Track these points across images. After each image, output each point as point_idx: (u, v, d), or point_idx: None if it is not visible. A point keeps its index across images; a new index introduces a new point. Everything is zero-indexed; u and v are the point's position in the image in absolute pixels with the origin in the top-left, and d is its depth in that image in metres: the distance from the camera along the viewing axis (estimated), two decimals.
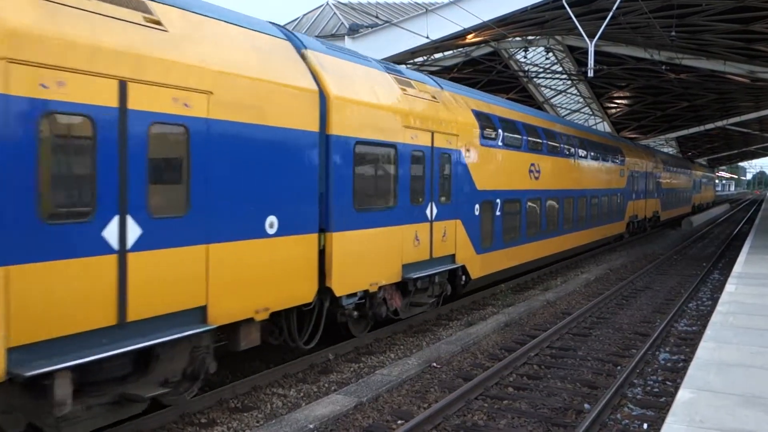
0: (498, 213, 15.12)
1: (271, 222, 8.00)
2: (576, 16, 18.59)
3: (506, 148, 15.60)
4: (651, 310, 14.86)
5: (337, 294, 9.38)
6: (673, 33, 23.42)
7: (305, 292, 8.78)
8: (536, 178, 17.56)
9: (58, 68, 5.63)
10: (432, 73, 25.22)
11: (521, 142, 16.60)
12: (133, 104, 6.28)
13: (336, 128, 9.23)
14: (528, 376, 9.77)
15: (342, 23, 26.27)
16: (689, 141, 71.83)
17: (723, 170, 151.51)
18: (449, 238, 12.68)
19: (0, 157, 5.26)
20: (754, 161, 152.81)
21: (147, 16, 6.71)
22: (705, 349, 7.93)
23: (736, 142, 78.20)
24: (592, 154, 22.87)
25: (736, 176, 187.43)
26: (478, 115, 14.33)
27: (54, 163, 5.68)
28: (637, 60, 31.76)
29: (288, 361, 9.87)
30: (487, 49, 31.41)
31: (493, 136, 14.85)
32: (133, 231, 6.32)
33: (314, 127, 8.78)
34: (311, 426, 7.35)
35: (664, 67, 30.36)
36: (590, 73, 19.60)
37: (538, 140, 17.94)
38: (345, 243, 9.47)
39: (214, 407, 8.12)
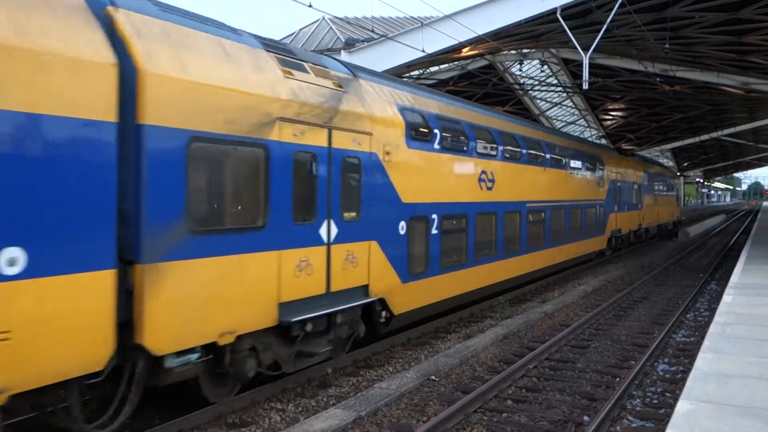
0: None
1: (11, 258, 5.47)
2: (570, 30, 18.74)
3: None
4: (649, 321, 14.86)
5: (158, 352, 6.79)
6: (667, 45, 23.67)
7: (90, 359, 6.13)
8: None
9: None
10: (428, 86, 25.33)
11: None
12: None
13: (153, 117, 6.74)
14: (527, 388, 9.75)
15: (338, 37, 26.45)
16: (684, 152, 72.23)
17: (719, 181, 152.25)
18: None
19: None
20: (749, 172, 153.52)
21: None
22: (703, 360, 7.93)
23: (731, 153, 78.66)
24: None
25: (731, 187, 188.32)
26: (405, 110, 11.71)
27: None
28: (631, 72, 32.00)
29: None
30: (482, 63, 31.62)
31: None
32: None
33: (107, 115, 6.26)
34: None
35: (658, 79, 30.60)
36: (585, 86, 19.79)
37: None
38: (171, 278, 6.85)
39: (211, 422, 8.07)
